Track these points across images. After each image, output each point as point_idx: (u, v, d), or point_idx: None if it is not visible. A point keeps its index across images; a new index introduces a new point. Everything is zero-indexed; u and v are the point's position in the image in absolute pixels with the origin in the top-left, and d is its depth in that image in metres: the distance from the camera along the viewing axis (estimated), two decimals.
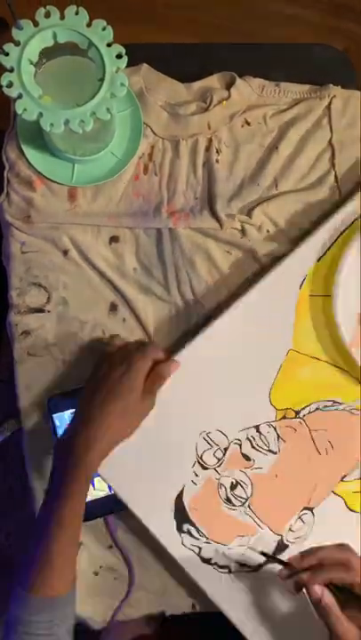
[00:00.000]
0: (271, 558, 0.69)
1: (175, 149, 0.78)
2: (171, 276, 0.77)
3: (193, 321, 0.77)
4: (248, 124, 0.79)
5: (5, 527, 1.44)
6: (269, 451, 0.74)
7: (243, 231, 0.77)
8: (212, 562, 0.72)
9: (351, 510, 0.75)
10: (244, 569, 0.72)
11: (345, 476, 0.75)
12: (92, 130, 0.62)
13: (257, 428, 0.74)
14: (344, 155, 0.79)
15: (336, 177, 0.79)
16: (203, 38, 0.98)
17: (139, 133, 0.76)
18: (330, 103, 0.80)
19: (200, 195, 0.78)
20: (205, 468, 0.73)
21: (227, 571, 0.72)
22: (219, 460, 0.73)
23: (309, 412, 0.75)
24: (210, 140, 0.78)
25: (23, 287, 0.76)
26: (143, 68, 0.78)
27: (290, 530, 0.73)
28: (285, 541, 0.73)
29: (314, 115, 0.79)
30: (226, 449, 0.73)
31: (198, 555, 0.72)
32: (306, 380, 0.75)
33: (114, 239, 0.77)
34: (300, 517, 0.74)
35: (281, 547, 0.73)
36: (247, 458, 0.74)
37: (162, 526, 0.71)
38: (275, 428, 0.74)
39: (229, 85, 0.79)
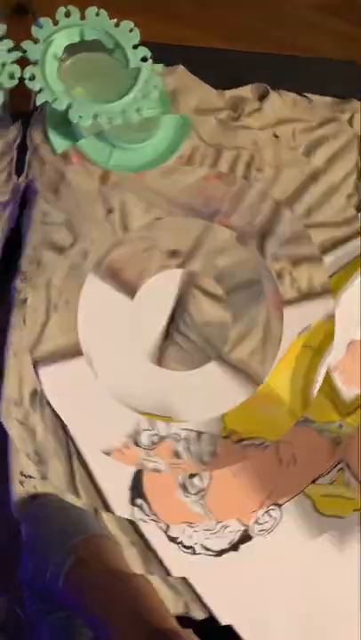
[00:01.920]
0: None
1: (216, 157, 0.78)
2: None
3: None
4: (276, 137, 0.80)
5: None
6: (200, 461, 0.75)
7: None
8: (178, 541, 0.73)
9: (319, 513, 0.75)
10: (207, 552, 0.73)
11: (317, 478, 0.76)
12: (141, 121, 0.62)
13: (199, 434, 0.75)
14: None
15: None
16: (229, 40, 0.93)
17: (184, 134, 0.77)
18: (352, 117, 0.80)
19: (257, 223, 0.77)
20: (136, 445, 0.74)
21: (191, 552, 0.73)
22: (153, 443, 0.74)
23: (253, 445, 0.76)
24: (252, 157, 0.78)
25: (35, 256, 0.76)
26: (179, 69, 0.78)
27: (257, 522, 0.74)
28: (250, 533, 0.74)
29: (344, 136, 0.79)
30: (163, 438, 0.75)
31: (165, 532, 0.73)
32: (264, 417, 0.76)
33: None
34: (267, 511, 0.75)
35: (245, 537, 0.74)
36: (177, 455, 0.75)
37: (117, 497, 0.73)
38: (215, 443, 0.75)
39: (262, 97, 0.79)
